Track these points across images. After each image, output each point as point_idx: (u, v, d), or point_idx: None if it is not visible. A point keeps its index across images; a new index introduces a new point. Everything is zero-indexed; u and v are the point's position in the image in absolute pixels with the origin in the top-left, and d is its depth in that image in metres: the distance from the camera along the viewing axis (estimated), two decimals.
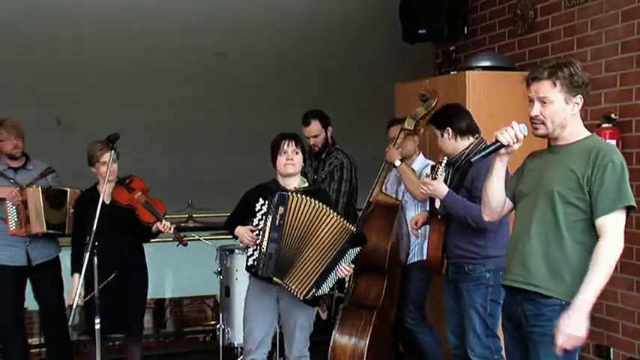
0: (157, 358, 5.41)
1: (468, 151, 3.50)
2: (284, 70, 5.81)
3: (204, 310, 6.67)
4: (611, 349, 4.01)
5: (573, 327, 2.47)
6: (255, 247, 3.41)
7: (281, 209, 3.35)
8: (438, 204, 3.57)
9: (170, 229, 3.90)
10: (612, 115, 3.91)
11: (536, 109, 2.66)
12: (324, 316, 4.26)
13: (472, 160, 2.83)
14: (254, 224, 3.43)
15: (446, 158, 3.46)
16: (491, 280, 3.39)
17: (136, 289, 4.06)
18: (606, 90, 3.99)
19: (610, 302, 3.97)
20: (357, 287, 4.03)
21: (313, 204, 3.38)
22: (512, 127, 2.69)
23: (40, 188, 4.20)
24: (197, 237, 5.02)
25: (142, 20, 5.23)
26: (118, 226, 3.86)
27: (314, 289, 3.35)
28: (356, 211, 4.59)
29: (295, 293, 3.38)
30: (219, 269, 4.63)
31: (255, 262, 3.39)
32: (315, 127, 4.61)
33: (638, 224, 3.80)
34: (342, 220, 3.38)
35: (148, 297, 5.70)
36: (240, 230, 3.52)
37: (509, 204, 2.85)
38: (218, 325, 4.77)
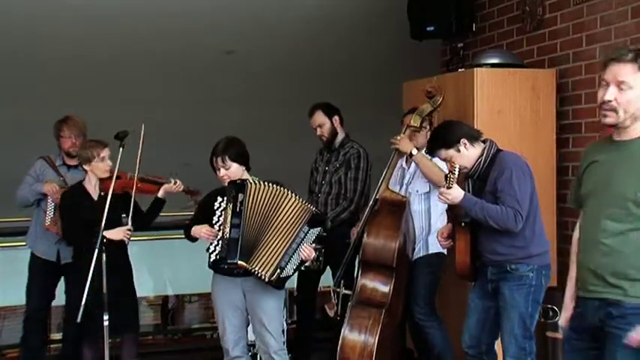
0: (165, 354, 5.51)
1: (484, 157, 3.46)
2: (294, 68, 5.88)
3: (211, 307, 6.72)
4: None
5: None
6: (217, 243, 3.49)
7: (240, 196, 3.47)
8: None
9: (180, 186, 4.01)
10: None
11: (611, 93, 2.40)
12: (331, 313, 4.26)
13: None
14: (214, 222, 3.53)
15: (457, 166, 3.34)
16: (534, 280, 3.37)
17: (128, 285, 4.10)
18: None
19: None
20: (365, 285, 4.04)
21: (272, 188, 3.52)
22: None
23: None
24: None
25: (153, 19, 5.29)
26: (109, 220, 3.84)
27: (278, 271, 3.46)
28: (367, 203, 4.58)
29: (261, 275, 3.45)
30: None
31: (219, 252, 3.47)
32: (318, 117, 4.70)
33: None
34: (301, 200, 3.52)
35: (156, 294, 5.72)
36: (196, 228, 3.59)
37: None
38: None
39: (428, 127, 4.14)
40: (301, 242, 3.51)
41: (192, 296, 6.72)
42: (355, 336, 3.94)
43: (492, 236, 3.38)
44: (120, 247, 3.97)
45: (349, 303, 4.05)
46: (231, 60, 5.72)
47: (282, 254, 3.48)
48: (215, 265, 3.55)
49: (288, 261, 3.51)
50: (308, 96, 4.89)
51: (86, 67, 5.54)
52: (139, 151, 3.91)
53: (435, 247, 4.14)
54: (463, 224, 3.47)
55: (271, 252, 3.48)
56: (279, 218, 3.51)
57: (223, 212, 3.52)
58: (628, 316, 2.41)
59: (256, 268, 3.46)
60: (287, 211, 3.51)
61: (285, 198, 3.52)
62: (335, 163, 4.70)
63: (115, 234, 3.83)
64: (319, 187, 4.75)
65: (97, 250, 3.64)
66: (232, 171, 3.58)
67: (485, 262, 3.48)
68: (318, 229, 3.56)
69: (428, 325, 4.14)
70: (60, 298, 4.54)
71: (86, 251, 3.82)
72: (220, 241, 3.48)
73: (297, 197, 3.52)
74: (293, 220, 3.51)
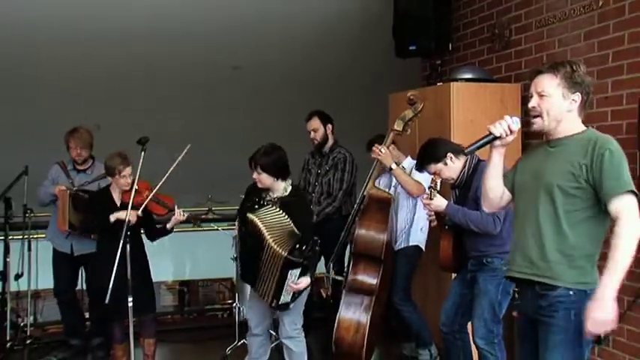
0: (182, 331, 5.81)
1: (467, 168, 3.68)
2: (295, 81, 6.14)
3: (223, 291, 6.98)
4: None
5: (600, 312, 2.38)
6: None
7: (243, 228, 3.74)
8: None
9: (184, 215, 4.21)
10: None
11: (534, 101, 2.58)
12: (324, 295, 4.62)
13: (466, 151, 2.73)
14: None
15: (439, 181, 3.56)
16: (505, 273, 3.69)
17: (145, 273, 4.33)
18: None
19: None
20: (357, 274, 4.27)
21: (258, 228, 3.56)
22: (504, 120, 2.61)
23: (68, 192, 4.59)
24: (216, 227, 5.35)
25: (168, 40, 5.57)
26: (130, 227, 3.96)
27: (275, 300, 3.67)
28: (353, 203, 4.87)
29: (265, 300, 3.73)
30: (235, 255, 4.90)
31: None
32: (314, 122, 5.07)
33: None
34: (275, 247, 3.52)
35: (174, 279, 6.09)
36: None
37: (507, 195, 2.79)
38: (234, 304, 5.18)
39: (409, 131, 4.40)
40: (285, 281, 3.60)
41: (206, 281, 6.96)
42: (349, 318, 4.22)
43: (474, 237, 3.65)
44: (137, 240, 4.21)
45: (343, 289, 4.33)
46: (239, 73, 5.98)
47: (273, 288, 3.63)
48: None
49: (281, 294, 3.64)
50: (306, 105, 5.18)
51: (87, 83, 5.67)
52: (172, 167, 4.08)
53: (415, 240, 4.53)
54: (447, 227, 3.77)
55: (266, 284, 3.67)
56: (265, 257, 3.62)
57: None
58: (554, 304, 2.53)
59: (260, 293, 3.71)
60: (267, 252, 3.60)
61: (265, 241, 3.56)
62: (325, 166, 5.07)
63: (127, 214, 3.93)
64: (312, 187, 5.11)
65: (122, 242, 3.86)
66: (263, 178, 3.74)
67: (468, 256, 3.76)
68: (298, 269, 3.61)
69: (404, 309, 4.48)
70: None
71: (108, 243, 4.08)
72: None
73: (274, 243, 3.53)
74: (272, 261, 3.59)
